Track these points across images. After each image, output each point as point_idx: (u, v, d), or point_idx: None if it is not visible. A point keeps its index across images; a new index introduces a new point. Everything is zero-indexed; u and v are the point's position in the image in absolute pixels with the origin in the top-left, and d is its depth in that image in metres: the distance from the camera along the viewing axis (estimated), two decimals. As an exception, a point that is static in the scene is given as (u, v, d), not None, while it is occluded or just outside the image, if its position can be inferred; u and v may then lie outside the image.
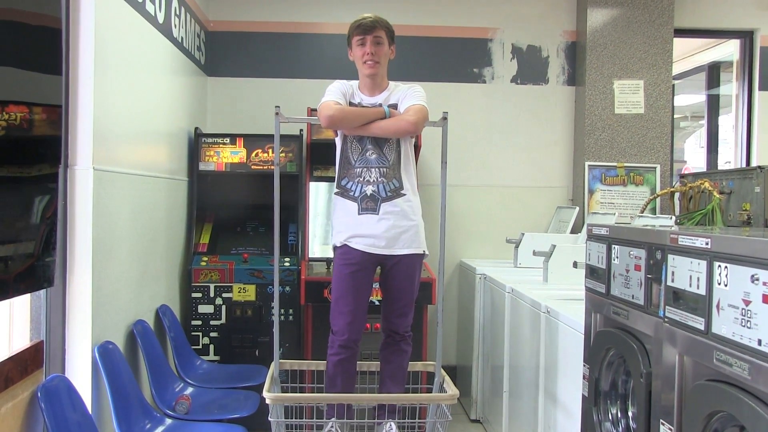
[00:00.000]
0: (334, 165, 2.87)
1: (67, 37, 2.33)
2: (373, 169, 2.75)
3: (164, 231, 3.50)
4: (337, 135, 2.86)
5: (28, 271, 2.10)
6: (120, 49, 2.72)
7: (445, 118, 2.74)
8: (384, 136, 2.74)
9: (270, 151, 4.05)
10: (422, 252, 2.82)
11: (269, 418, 2.61)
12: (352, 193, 2.77)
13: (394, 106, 2.81)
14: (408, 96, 2.80)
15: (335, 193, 2.82)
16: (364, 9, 2.85)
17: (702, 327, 1.56)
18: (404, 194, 2.77)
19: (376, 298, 3.39)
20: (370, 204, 2.74)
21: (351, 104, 2.82)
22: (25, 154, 2.09)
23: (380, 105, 2.80)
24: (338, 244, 2.78)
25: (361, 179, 2.75)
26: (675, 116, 5.14)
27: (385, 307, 2.85)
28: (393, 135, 2.75)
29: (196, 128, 4.14)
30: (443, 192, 2.77)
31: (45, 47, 2.22)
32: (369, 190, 2.74)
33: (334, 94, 2.78)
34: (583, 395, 2.29)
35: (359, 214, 2.74)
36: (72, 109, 2.36)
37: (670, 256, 1.73)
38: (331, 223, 2.89)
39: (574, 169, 4.84)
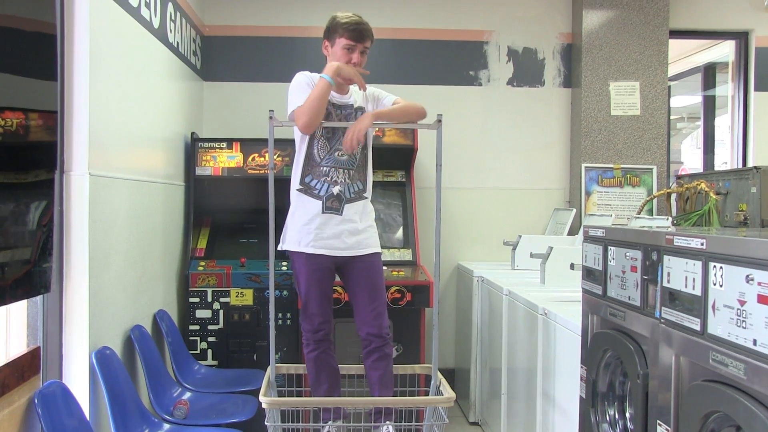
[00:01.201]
0: (292, 161, 2.84)
1: (62, 43, 2.33)
2: (341, 170, 2.73)
3: (161, 236, 3.50)
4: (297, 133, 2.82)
5: (25, 278, 2.10)
6: (115, 54, 2.72)
7: (439, 121, 2.73)
8: (410, 120, 2.79)
9: (267, 155, 4.05)
10: (379, 251, 2.85)
11: (266, 423, 2.60)
12: (317, 192, 2.73)
13: (361, 109, 2.81)
14: (383, 96, 2.86)
15: (297, 190, 2.77)
16: (359, 13, 2.82)
17: (698, 327, 1.56)
18: (366, 197, 2.80)
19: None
20: (335, 204, 2.72)
21: None
22: (21, 160, 2.09)
23: (351, 105, 2.80)
24: (307, 252, 2.73)
25: (328, 178, 2.73)
26: (671, 117, 5.15)
27: (361, 311, 2.79)
28: (415, 118, 2.80)
29: (193, 133, 4.14)
30: (438, 194, 2.77)
31: (40, 53, 2.22)
32: (336, 190, 2.72)
33: (303, 95, 2.69)
34: (580, 397, 2.29)
35: (323, 212, 2.72)
36: (67, 115, 2.36)
37: (665, 257, 1.74)
38: (289, 221, 2.82)
39: (571, 171, 4.85)
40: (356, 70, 2.71)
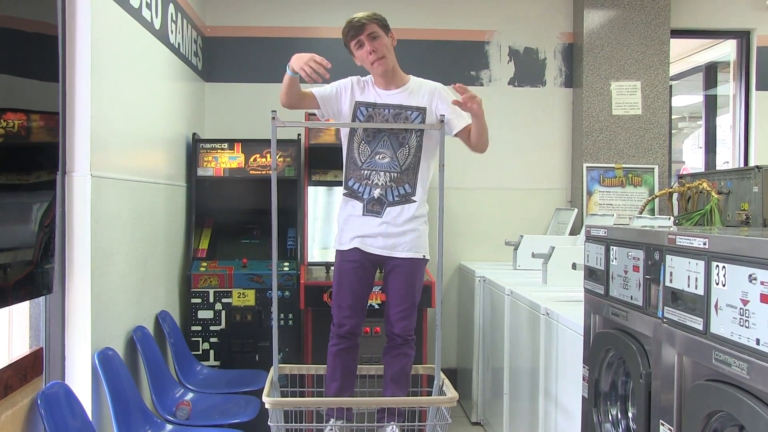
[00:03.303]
0: (341, 167, 2.87)
1: (63, 44, 2.33)
2: (382, 173, 2.73)
3: (163, 237, 3.50)
4: (339, 138, 2.87)
5: (27, 279, 2.10)
6: (117, 55, 2.73)
7: (441, 121, 2.73)
8: (481, 143, 2.76)
9: (268, 156, 4.05)
10: (422, 257, 2.78)
11: (269, 423, 2.61)
12: (360, 194, 2.76)
13: (422, 110, 2.77)
14: (448, 111, 2.74)
15: (344, 194, 2.81)
16: (354, 12, 2.82)
17: (700, 327, 1.56)
18: (414, 201, 2.75)
19: (375, 301, 3.40)
20: (375, 207, 2.73)
21: (359, 102, 2.79)
22: (23, 162, 2.09)
23: (401, 106, 2.78)
24: (344, 249, 2.78)
25: (369, 182, 2.74)
26: (672, 117, 5.14)
27: (386, 310, 2.84)
28: (483, 147, 2.79)
29: (194, 134, 4.14)
30: (441, 194, 2.77)
31: (42, 54, 2.23)
32: (376, 193, 2.73)
33: (322, 89, 2.81)
34: (582, 396, 2.29)
35: (363, 215, 2.74)
36: (69, 116, 2.36)
37: (668, 257, 1.74)
38: (337, 223, 2.88)
39: (573, 171, 4.85)
40: (314, 62, 2.59)
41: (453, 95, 2.74)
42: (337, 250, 2.84)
